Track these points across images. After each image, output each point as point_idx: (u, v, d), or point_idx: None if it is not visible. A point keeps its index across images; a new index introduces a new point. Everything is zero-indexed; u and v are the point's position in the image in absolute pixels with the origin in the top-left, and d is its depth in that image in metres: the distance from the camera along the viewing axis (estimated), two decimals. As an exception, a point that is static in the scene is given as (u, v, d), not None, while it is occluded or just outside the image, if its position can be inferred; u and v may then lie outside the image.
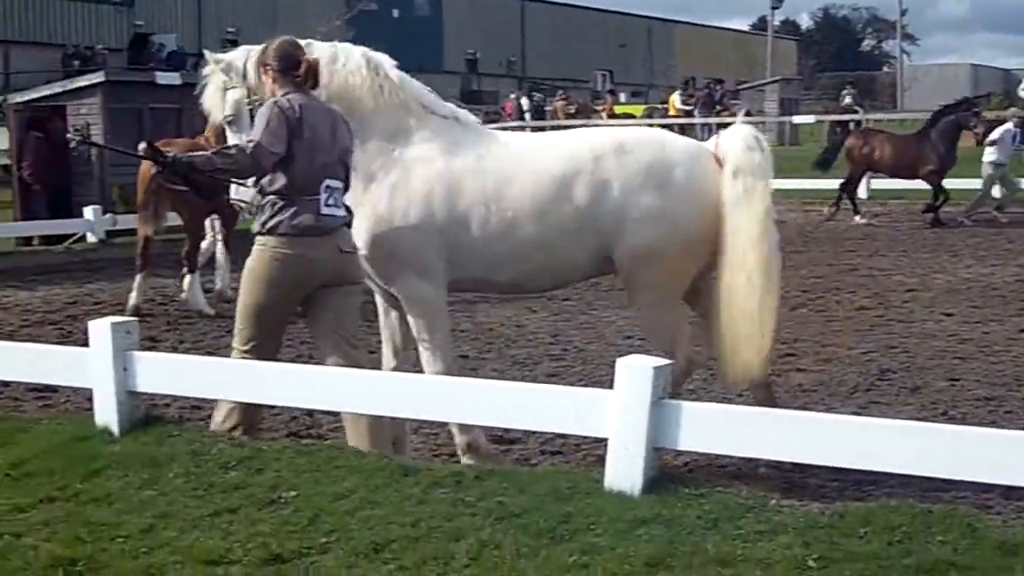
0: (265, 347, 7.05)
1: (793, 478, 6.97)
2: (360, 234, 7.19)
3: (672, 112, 46.60)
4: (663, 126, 44.39)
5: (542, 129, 39.22)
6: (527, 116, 44.36)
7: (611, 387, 5.94)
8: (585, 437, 7.05)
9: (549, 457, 7.75)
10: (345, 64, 7.39)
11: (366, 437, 6.91)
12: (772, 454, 5.90)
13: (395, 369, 7.59)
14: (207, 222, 14.35)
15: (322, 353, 7.14)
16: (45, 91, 21.81)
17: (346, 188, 7.11)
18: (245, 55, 7.40)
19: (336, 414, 8.15)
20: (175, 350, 10.96)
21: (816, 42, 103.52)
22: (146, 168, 12.30)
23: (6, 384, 9.37)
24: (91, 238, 19.97)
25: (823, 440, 5.64)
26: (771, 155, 7.27)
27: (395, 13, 62.70)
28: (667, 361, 5.93)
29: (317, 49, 7.28)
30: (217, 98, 7.46)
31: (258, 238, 6.99)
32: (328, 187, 6.91)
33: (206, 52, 7.77)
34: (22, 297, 15.16)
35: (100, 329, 6.99)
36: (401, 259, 7.22)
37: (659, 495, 5.68)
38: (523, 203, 7.17)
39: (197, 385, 7.15)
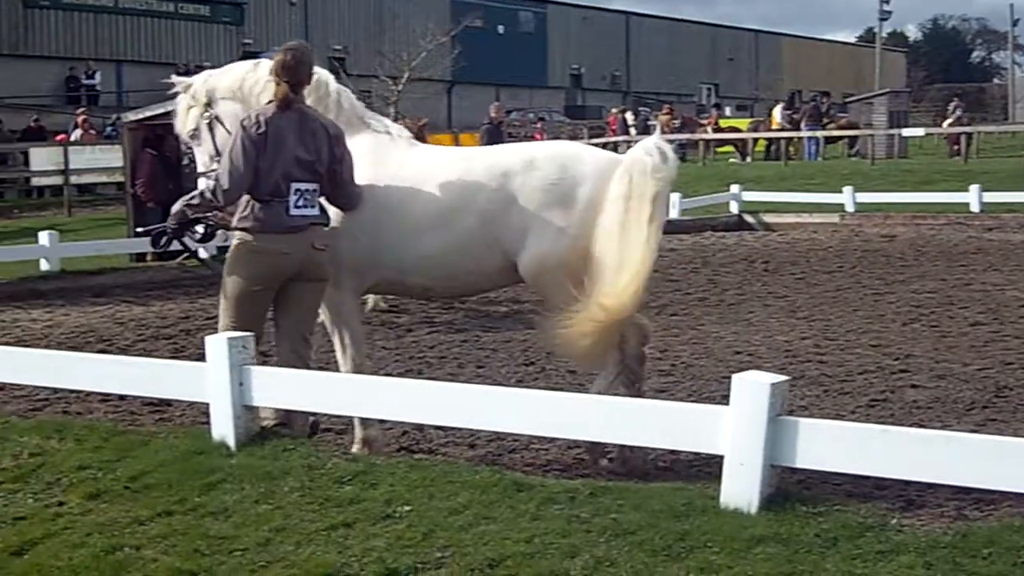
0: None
1: (911, 495, 6.85)
2: None
3: (774, 126, 46.34)
4: (769, 140, 44.27)
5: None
6: (632, 131, 44.27)
7: (723, 403, 5.90)
8: (697, 453, 6.98)
9: (660, 473, 7.69)
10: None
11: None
12: (891, 472, 5.79)
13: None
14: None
15: (280, 341, 7.81)
16: (158, 109, 22.00)
17: (322, 190, 7.60)
18: (205, 78, 8.12)
19: (447, 428, 8.21)
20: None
21: (925, 53, 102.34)
22: None
23: (122, 398, 9.53)
24: (203, 254, 20.17)
25: (941, 458, 5.54)
26: (671, 166, 7.40)
27: (500, 29, 63.12)
28: (783, 377, 5.87)
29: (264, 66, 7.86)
30: (183, 115, 8.16)
31: (234, 235, 7.61)
32: (297, 190, 7.47)
33: (173, 76, 8.48)
34: (137, 312, 15.41)
35: (217, 344, 7.08)
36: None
37: (776, 513, 5.62)
38: (426, 213, 7.64)
39: (312, 399, 7.21)
